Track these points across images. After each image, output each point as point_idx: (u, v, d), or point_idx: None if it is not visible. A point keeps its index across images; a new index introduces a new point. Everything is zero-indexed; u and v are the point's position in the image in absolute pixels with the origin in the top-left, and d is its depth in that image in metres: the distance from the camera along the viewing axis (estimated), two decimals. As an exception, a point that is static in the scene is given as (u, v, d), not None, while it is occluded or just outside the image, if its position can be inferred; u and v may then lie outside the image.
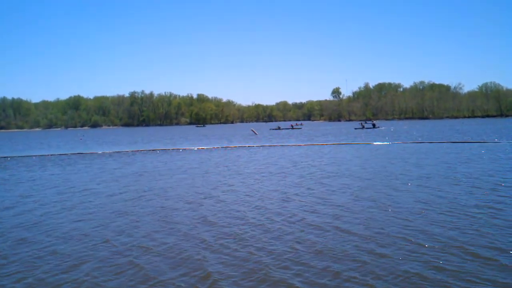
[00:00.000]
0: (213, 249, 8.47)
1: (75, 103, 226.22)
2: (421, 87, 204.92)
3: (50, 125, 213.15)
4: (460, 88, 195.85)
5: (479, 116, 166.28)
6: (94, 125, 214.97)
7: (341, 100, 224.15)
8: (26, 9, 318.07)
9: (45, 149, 44.22)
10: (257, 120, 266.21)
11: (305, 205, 12.20)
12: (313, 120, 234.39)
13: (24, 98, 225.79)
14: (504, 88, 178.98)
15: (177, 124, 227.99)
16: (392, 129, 73.24)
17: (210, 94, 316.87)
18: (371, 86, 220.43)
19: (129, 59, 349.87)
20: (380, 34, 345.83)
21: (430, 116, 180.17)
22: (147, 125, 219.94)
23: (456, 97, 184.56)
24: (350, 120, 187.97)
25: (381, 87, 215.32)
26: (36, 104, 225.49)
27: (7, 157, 34.81)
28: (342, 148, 34.42)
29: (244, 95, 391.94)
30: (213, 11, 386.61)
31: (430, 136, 46.99)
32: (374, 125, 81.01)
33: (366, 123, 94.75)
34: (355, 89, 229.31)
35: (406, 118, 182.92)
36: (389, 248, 8.19)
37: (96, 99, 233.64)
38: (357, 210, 11.36)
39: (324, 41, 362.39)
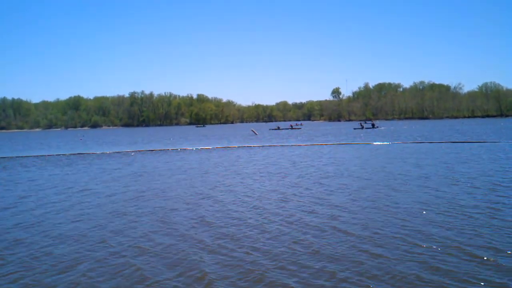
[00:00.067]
0: (210, 249, 8.47)
1: (75, 103, 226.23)
2: (421, 87, 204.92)
3: (50, 126, 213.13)
4: (460, 88, 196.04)
5: (479, 116, 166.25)
6: (94, 126, 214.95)
7: (341, 100, 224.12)
8: (26, 9, 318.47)
9: (45, 150, 44.22)
10: (257, 120, 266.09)
11: (303, 205, 12.19)
12: (313, 120, 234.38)
13: (24, 98, 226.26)
14: (504, 88, 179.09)
15: (177, 124, 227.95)
16: (392, 128, 73.25)
17: (210, 94, 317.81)
18: (371, 86, 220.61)
19: (129, 59, 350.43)
20: (380, 34, 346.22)
21: (430, 116, 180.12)
22: (147, 125, 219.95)
23: (456, 97, 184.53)
24: (350, 120, 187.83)
25: (381, 87, 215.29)
26: (36, 105, 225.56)
27: (7, 157, 34.81)
28: (342, 148, 34.41)
29: (244, 95, 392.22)
30: (213, 11, 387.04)
31: (430, 136, 46.98)
32: (373, 125, 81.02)
33: (365, 123, 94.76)
34: (355, 89, 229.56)
35: (406, 118, 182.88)
36: (386, 248, 8.18)
37: (96, 99, 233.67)
38: (355, 210, 11.35)
39: (324, 41, 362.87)
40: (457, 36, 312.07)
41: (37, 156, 35.30)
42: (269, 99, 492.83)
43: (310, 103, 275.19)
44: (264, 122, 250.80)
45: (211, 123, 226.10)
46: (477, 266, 7.14)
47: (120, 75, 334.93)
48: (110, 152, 37.38)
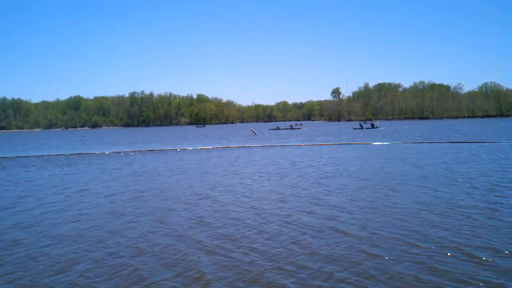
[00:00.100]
0: (208, 249, 8.46)
1: (75, 103, 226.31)
2: (421, 87, 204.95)
3: (50, 126, 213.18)
4: (460, 88, 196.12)
5: (479, 116, 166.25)
6: (94, 126, 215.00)
7: (341, 100, 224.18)
8: (26, 9, 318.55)
9: (44, 150, 44.21)
10: (257, 120, 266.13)
11: (302, 206, 12.19)
12: (313, 120, 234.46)
13: (24, 98, 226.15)
14: (504, 88, 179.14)
15: (177, 124, 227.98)
16: (391, 129, 73.24)
17: (210, 94, 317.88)
18: (371, 86, 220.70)
19: (129, 59, 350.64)
20: (380, 34, 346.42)
21: (430, 116, 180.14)
22: (147, 125, 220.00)
23: (456, 97, 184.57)
24: (350, 120, 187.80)
25: (381, 87, 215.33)
26: (36, 105, 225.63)
27: (7, 157, 34.80)
28: (341, 148, 34.40)
29: (244, 95, 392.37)
30: (213, 11, 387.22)
31: (430, 136, 46.97)
32: (373, 125, 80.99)
33: (365, 123, 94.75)
34: (355, 89, 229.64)
35: (406, 118, 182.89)
36: (384, 248, 8.18)
37: (96, 99, 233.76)
38: (353, 211, 11.34)
39: (324, 41, 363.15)
40: (457, 36, 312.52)
41: (37, 156, 35.30)
42: (269, 99, 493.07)
43: (310, 103, 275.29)
44: (264, 122, 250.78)
45: (211, 123, 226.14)
46: (475, 267, 7.14)
47: (120, 75, 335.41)
48: (110, 152, 37.38)
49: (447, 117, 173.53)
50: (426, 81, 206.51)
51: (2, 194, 16.15)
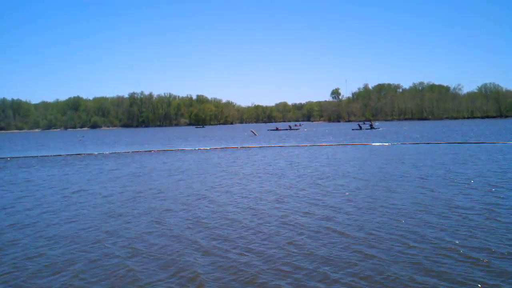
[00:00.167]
0: (204, 250, 8.45)
1: (75, 104, 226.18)
2: (420, 87, 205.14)
3: (49, 126, 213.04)
4: (460, 89, 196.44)
5: (478, 117, 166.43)
6: (94, 126, 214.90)
7: (340, 101, 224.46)
8: (26, 9, 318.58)
9: (44, 150, 44.21)
10: (257, 121, 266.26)
11: (299, 206, 12.18)
12: (312, 121, 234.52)
13: (23, 99, 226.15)
14: (504, 89, 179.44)
15: (176, 125, 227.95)
16: (390, 129, 73.24)
17: (209, 95, 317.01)
18: (370, 87, 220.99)
19: (128, 60, 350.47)
20: (379, 34, 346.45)
21: (430, 117, 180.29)
22: (147, 126, 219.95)
23: (455, 98, 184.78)
24: (349, 121, 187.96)
25: (380, 88, 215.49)
26: (35, 105, 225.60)
27: (6, 158, 34.79)
28: (340, 149, 34.40)
29: (244, 96, 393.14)
30: (212, 11, 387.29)
31: (429, 137, 46.98)
32: (371, 126, 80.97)
33: (364, 124, 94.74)
34: (355, 89, 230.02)
35: (406, 119, 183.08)
36: (380, 249, 8.17)
37: (96, 100, 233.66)
38: (350, 211, 11.34)
39: (323, 41, 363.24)
40: (457, 37, 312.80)
41: (36, 156, 35.29)
42: (268, 100, 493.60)
43: (310, 103, 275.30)
44: (263, 123, 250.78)
45: (210, 124, 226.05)
46: (471, 268, 7.13)
47: (120, 76, 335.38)
48: (109, 152, 37.37)
49: (447, 118, 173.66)
50: (426, 81, 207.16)
51: (0, 194, 16.13)
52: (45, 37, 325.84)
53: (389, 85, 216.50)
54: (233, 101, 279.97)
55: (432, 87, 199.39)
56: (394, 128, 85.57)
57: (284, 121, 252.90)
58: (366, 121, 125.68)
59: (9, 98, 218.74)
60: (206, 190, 15.65)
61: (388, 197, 13.07)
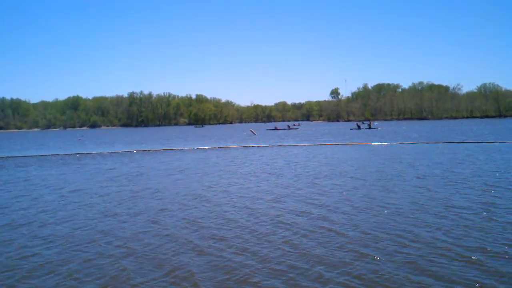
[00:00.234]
0: (199, 250, 8.43)
1: (74, 103, 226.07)
2: (419, 87, 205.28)
3: (48, 126, 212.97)
4: (459, 88, 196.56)
5: (478, 117, 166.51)
6: (93, 126, 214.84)
7: (340, 100, 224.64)
8: (25, 9, 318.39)
9: (43, 150, 44.19)
10: (256, 121, 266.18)
11: (296, 206, 12.17)
12: (312, 121, 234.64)
13: (23, 98, 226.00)
14: (503, 89, 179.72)
15: (175, 124, 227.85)
16: (389, 129, 73.24)
17: (209, 94, 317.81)
18: (370, 87, 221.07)
19: (128, 60, 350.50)
20: (379, 34, 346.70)
21: (429, 116, 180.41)
22: (146, 125, 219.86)
23: (455, 98, 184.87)
24: (349, 120, 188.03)
25: (380, 88, 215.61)
26: (35, 105, 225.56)
27: (5, 157, 34.78)
28: (338, 148, 34.39)
29: (243, 95, 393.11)
30: (212, 11, 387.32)
31: (428, 137, 46.98)
32: (370, 126, 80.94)
33: (362, 123, 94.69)
34: (354, 89, 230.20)
35: (405, 119, 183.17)
36: (375, 249, 8.16)
37: (95, 99, 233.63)
38: (347, 211, 11.32)
39: (323, 41, 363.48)
40: (456, 37, 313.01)
41: (35, 156, 35.27)
42: (268, 100, 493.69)
43: (309, 103, 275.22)
44: (263, 122, 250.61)
45: (210, 124, 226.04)
46: (466, 267, 7.12)
47: (119, 75, 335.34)
48: (108, 152, 37.36)
49: (446, 117, 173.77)
50: (425, 81, 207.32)
51: (-4, 194, 16.12)
52: (44, 37, 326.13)
53: (388, 85, 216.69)
54: (232, 100, 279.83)
55: (432, 87, 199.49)
56: (393, 127, 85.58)
57: (283, 121, 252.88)
58: (364, 120, 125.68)
59: (8, 97, 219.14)
60: (203, 189, 15.64)
61: (384, 197, 13.06)
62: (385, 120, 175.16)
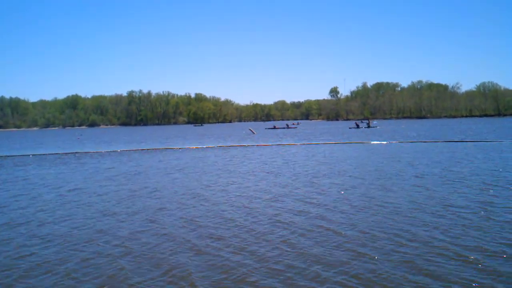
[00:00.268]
0: (196, 249, 8.43)
1: (73, 102, 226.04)
2: (419, 86, 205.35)
3: (47, 124, 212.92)
4: (458, 87, 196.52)
5: (477, 116, 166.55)
6: (92, 125, 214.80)
7: (339, 99, 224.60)
8: (24, 8, 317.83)
9: (41, 148, 44.16)
10: (255, 120, 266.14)
11: (294, 205, 12.17)
12: (311, 119, 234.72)
13: (22, 97, 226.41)
14: (502, 88, 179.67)
15: (175, 123, 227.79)
16: (388, 128, 73.27)
17: (208, 93, 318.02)
18: (369, 86, 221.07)
19: (127, 59, 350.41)
20: (378, 33, 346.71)
21: (428, 115, 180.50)
22: (145, 124, 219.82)
23: (454, 97, 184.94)
24: (348, 119, 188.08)
25: (379, 87, 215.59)
26: (34, 103, 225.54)
27: (3, 156, 34.75)
28: (336, 147, 34.39)
29: (242, 94, 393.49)
30: (211, 11, 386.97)
31: (427, 136, 47.00)
32: (369, 125, 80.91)
33: (361, 122, 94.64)
34: (353, 88, 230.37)
35: (404, 118, 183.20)
36: (373, 248, 8.16)
37: (94, 98, 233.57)
38: (345, 210, 11.32)
39: (322, 40, 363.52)
40: (455, 36, 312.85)
41: (33, 155, 35.23)
42: (267, 98, 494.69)
43: (308, 102, 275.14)
44: (262, 121, 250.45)
45: (209, 122, 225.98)
46: (464, 266, 7.11)
47: (118, 74, 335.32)
48: (107, 151, 37.32)
49: (445, 116, 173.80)
50: (424, 80, 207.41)
51: (-6, 193, 16.11)
52: (43, 36, 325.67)
53: (387, 83, 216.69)
54: (231, 99, 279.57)
55: (431, 86, 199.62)
56: (392, 126, 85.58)
57: (282, 120, 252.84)
58: (363, 119, 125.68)
59: (7, 96, 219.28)
60: (201, 188, 15.64)
61: (383, 196, 13.07)
62: (384, 119, 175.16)
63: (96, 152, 36.58)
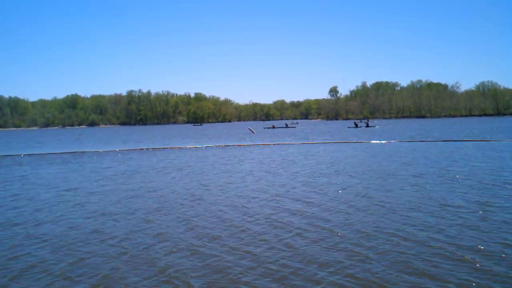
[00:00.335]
0: (192, 249, 8.40)
1: (73, 101, 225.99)
2: (418, 86, 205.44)
3: (47, 124, 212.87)
4: (458, 87, 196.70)
5: (476, 115, 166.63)
6: (92, 124, 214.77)
7: (338, 99, 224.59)
8: (24, 7, 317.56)
9: (42, 148, 44.12)
10: (255, 119, 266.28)
11: (290, 205, 12.15)
12: (310, 119, 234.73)
13: (21, 96, 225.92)
14: (501, 87, 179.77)
15: (174, 123, 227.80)
16: (387, 127, 73.26)
17: (207, 92, 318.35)
18: (368, 85, 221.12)
19: (126, 58, 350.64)
20: (378, 33, 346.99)
21: (428, 115, 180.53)
22: (145, 124, 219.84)
23: (453, 96, 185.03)
24: (347, 119, 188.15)
25: (378, 86, 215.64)
26: (33, 103, 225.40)
27: (2, 155, 34.70)
28: (335, 147, 34.37)
29: (242, 93, 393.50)
30: (211, 10, 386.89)
31: (426, 135, 46.99)
32: (367, 124, 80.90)
33: (360, 122, 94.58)
34: (353, 87, 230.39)
35: (404, 117, 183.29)
36: (367, 248, 8.14)
37: (94, 98, 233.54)
38: (341, 209, 11.30)
39: (322, 40, 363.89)
40: (455, 35, 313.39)
41: (32, 154, 35.19)
42: (266, 98, 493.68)
43: (308, 101, 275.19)
44: (261, 120, 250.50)
45: (208, 122, 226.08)
46: (460, 267, 7.09)
47: (118, 74, 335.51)
48: (106, 150, 37.28)
49: (445, 116, 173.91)
50: (424, 80, 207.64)
51: (-8, 192, 16.08)
52: (43, 36, 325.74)
53: (387, 83, 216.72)
54: (231, 99, 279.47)
55: (430, 85, 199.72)
56: (391, 126, 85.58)
57: (282, 119, 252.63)
58: (362, 119, 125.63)
59: (6, 95, 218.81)
60: (198, 188, 15.62)
61: (380, 195, 13.05)
62: (384, 118, 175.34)
63: (95, 151, 36.53)
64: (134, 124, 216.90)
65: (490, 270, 6.89)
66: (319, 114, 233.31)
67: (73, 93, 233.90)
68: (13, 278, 7.20)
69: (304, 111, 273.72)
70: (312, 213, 11.05)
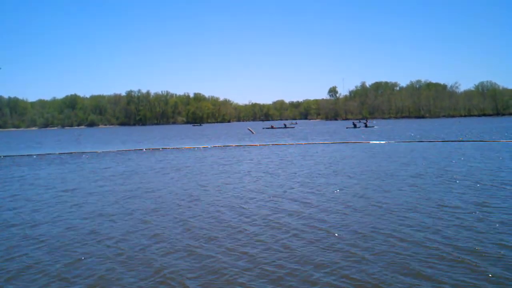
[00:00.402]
0: (188, 250, 8.39)
1: (72, 102, 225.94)
2: (417, 86, 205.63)
3: (46, 124, 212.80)
4: (457, 87, 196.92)
5: (475, 115, 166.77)
6: (91, 124, 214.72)
7: (337, 99, 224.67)
8: (23, 7, 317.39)
9: (41, 148, 44.09)
10: (254, 119, 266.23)
11: (287, 206, 12.14)
12: (309, 119, 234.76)
13: (20, 97, 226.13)
14: (501, 87, 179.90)
15: (173, 123, 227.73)
16: (385, 128, 73.28)
17: (207, 93, 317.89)
18: (367, 85, 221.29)
19: (126, 58, 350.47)
20: (377, 33, 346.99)
21: (427, 115, 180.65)
22: (144, 124, 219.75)
23: (452, 96, 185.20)
24: (346, 119, 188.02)
25: (377, 86, 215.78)
26: (32, 103, 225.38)
27: (1, 156, 34.66)
28: (333, 147, 34.36)
29: (241, 94, 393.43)
30: (210, 10, 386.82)
31: (425, 135, 47.00)
32: (366, 125, 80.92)
33: (359, 122, 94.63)
34: (352, 88, 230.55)
35: (403, 117, 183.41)
36: (363, 248, 8.14)
37: (93, 98, 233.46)
38: (338, 210, 11.29)
39: (321, 40, 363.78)
40: (454, 35, 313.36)
41: (31, 155, 35.16)
42: (266, 98, 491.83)
43: (307, 102, 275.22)
44: (261, 121, 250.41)
45: (208, 122, 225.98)
46: (457, 268, 7.08)
47: (117, 74, 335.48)
48: (105, 151, 37.26)
49: (444, 116, 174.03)
50: (423, 80, 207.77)
51: (-11, 193, 16.06)
52: (42, 36, 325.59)
53: (386, 83, 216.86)
54: (230, 99, 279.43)
55: (429, 85, 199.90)
56: (390, 126, 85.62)
57: (281, 119, 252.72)
58: (361, 119, 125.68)
59: (6, 96, 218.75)
60: (196, 188, 15.61)
61: (377, 196, 13.05)
62: (383, 118, 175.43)
63: (94, 152, 36.50)
64: (134, 125, 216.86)
65: (487, 271, 6.89)
66: (318, 114, 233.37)
67: (72, 93, 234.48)
68: (9, 279, 7.20)
69: (304, 111, 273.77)
70: (309, 213, 11.04)
